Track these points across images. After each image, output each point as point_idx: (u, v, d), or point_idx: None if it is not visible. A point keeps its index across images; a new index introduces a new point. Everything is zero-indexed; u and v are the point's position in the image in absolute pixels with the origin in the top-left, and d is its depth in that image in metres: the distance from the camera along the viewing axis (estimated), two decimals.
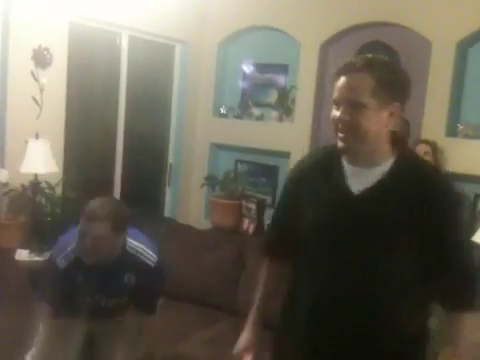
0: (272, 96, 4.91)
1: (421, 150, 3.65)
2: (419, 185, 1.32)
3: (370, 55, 1.34)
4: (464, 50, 4.02)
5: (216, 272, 3.34)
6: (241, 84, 5.10)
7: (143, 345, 2.32)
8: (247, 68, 5.03)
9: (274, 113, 4.85)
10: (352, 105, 1.31)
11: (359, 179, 1.37)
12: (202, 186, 4.84)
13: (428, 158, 3.64)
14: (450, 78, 3.94)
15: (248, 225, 4.43)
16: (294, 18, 4.55)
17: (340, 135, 1.35)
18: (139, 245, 2.18)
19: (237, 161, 5.13)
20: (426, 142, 3.75)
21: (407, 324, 1.39)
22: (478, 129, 3.97)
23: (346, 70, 1.34)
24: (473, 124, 3.99)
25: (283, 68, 4.84)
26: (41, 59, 3.56)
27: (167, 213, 5.04)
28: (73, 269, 2.08)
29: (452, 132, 4.03)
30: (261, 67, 4.97)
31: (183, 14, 4.68)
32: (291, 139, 4.56)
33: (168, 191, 5.07)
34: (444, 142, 3.96)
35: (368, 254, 1.33)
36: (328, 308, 1.39)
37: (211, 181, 4.78)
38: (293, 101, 4.69)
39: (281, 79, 4.86)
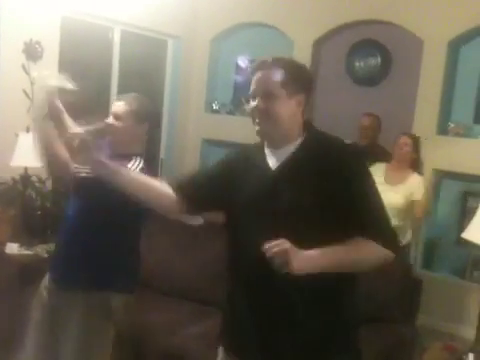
0: None
1: (401, 141, 3.70)
2: (325, 156, 1.51)
3: (279, 55, 1.58)
4: (456, 49, 4.05)
5: (207, 267, 3.33)
6: (234, 80, 5.10)
7: (109, 332, 2.16)
8: (242, 62, 5.02)
9: None
10: (266, 95, 1.52)
11: (276, 157, 1.58)
12: None
13: (407, 149, 3.70)
14: (442, 77, 3.97)
15: None
16: (287, 15, 4.55)
17: (257, 121, 1.55)
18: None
19: None
20: (409, 135, 3.79)
21: (329, 296, 1.52)
22: (468, 128, 4.00)
23: (260, 67, 1.56)
24: (464, 123, 4.02)
25: None
26: (32, 52, 3.54)
27: None
28: None
29: (443, 130, 4.06)
30: (253, 63, 4.97)
31: (176, 9, 4.67)
32: None
33: None
34: (435, 140, 4.00)
35: (287, 223, 1.47)
36: (257, 283, 1.53)
37: None
38: None
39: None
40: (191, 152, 5.09)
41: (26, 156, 3.29)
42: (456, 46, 4.03)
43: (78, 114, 2.20)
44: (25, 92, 3.51)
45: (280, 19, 4.61)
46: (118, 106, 2.16)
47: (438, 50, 3.94)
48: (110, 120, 2.15)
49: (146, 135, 2.25)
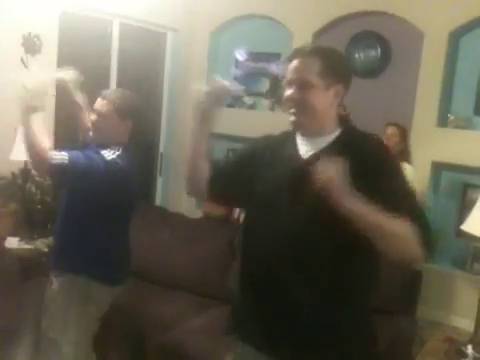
0: (264, 85, 4.91)
1: (388, 131, 3.73)
2: (361, 152, 1.44)
3: (318, 45, 1.55)
4: (456, 41, 4.03)
5: (207, 260, 3.34)
6: (233, 73, 5.07)
7: (89, 315, 2.22)
8: (240, 56, 5.00)
9: (266, 102, 4.85)
10: (302, 85, 1.47)
11: (308, 146, 1.52)
12: None
13: (394, 140, 3.73)
14: (442, 68, 3.95)
15: (239, 214, 4.44)
16: (286, 7, 4.53)
17: (292, 111, 1.50)
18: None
19: (229, 150, 5.12)
20: (395, 125, 3.82)
21: (348, 293, 1.46)
22: (468, 120, 3.99)
23: (297, 54, 1.50)
24: (464, 115, 4.01)
25: (275, 57, 4.83)
26: (31, 46, 3.53)
27: (159, 202, 5.04)
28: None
29: (443, 122, 4.06)
30: (253, 56, 4.95)
31: (175, 2, 4.65)
32: (283, 128, 4.54)
33: (159, 180, 5.06)
34: (435, 132, 3.99)
35: (312, 213, 1.40)
36: (272, 274, 1.48)
37: None
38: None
39: (273, 68, 4.84)
40: None
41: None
42: (456, 37, 4.01)
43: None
44: (23, 85, 3.50)
45: (279, 11, 4.59)
46: (101, 104, 2.18)
47: (438, 41, 3.93)
48: (93, 117, 2.19)
49: (129, 129, 2.26)
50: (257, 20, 4.81)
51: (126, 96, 2.24)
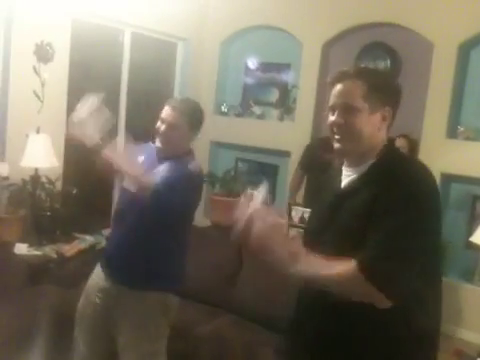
0: (273, 95, 4.92)
1: (398, 144, 3.72)
2: (388, 184, 1.34)
3: (362, 65, 1.44)
4: (466, 52, 4.03)
5: (215, 269, 3.34)
6: (243, 82, 5.10)
7: (166, 328, 2.25)
8: (252, 64, 5.02)
9: (275, 112, 4.86)
10: (347, 109, 1.41)
11: (349, 177, 1.47)
12: None
13: (404, 152, 3.70)
14: (451, 80, 3.95)
15: None
16: (296, 18, 4.56)
17: (336, 137, 1.45)
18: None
19: (237, 159, 5.14)
20: (405, 137, 3.80)
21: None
22: (478, 131, 3.98)
23: (340, 78, 1.44)
24: (473, 126, 4.00)
25: (285, 67, 4.85)
26: (43, 54, 3.57)
27: None
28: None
29: (452, 134, 4.04)
30: (263, 66, 4.98)
31: (186, 12, 4.69)
32: (292, 138, 4.57)
33: None
34: (444, 143, 3.98)
35: (334, 247, 1.37)
36: (306, 299, 1.49)
37: (211, 179, 4.79)
38: (294, 100, 4.70)
39: (283, 78, 4.87)
40: (199, 154, 5.07)
41: (36, 157, 3.32)
42: (466, 49, 4.01)
43: None
44: (36, 93, 3.54)
45: (289, 22, 4.61)
46: (172, 116, 2.17)
47: (448, 53, 3.92)
48: (162, 128, 2.17)
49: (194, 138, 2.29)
50: (267, 31, 4.84)
51: (196, 107, 2.25)
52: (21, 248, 3.27)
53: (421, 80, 4.12)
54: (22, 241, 3.31)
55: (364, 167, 1.44)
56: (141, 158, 2.23)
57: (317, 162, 3.65)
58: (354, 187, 1.43)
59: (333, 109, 1.46)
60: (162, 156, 2.18)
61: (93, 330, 2.20)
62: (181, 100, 2.32)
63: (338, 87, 1.44)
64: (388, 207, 1.31)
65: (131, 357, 2.15)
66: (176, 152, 2.18)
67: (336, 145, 1.45)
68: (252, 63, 4.80)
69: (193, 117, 2.19)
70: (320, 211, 1.46)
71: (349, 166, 1.49)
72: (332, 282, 1.32)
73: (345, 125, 1.41)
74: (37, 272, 2.95)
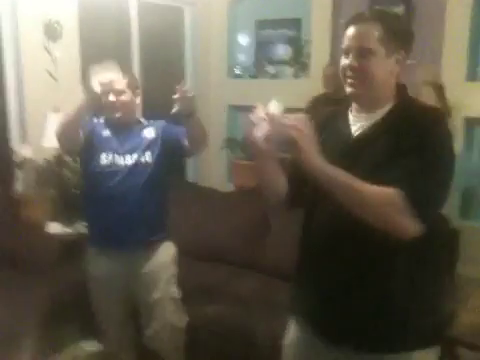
0: (287, 52, 4.84)
1: (424, 93, 3.59)
2: (411, 127, 1.36)
3: (378, 8, 1.42)
4: None
5: (241, 232, 3.38)
6: (255, 42, 5.02)
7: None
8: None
9: (290, 70, 4.79)
10: (361, 52, 1.38)
11: (360, 123, 1.46)
12: (222, 149, 4.85)
13: (431, 99, 3.59)
14: (469, 20, 3.82)
15: None
16: None
17: (349, 81, 1.42)
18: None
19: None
20: (430, 84, 3.68)
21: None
22: None
23: (355, 20, 1.41)
24: None
25: (296, 22, 4.74)
26: (52, 32, 3.55)
27: (190, 178, 5.07)
28: (102, 125, 2.50)
29: (472, 76, 3.94)
30: (273, 23, 4.88)
31: None
32: (308, 95, 4.50)
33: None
34: (465, 87, 3.88)
35: None
36: (327, 247, 1.46)
37: (231, 144, 4.78)
38: (308, 56, 4.61)
39: (294, 34, 4.77)
40: (216, 119, 5.06)
41: None
42: None
43: None
44: (49, 72, 3.55)
45: None
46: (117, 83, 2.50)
47: None
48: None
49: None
50: None
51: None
52: (55, 227, 3.35)
53: (436, 25, 3.99)
54: (54, 220, 3.38)
55: (379, 113, 1.42)
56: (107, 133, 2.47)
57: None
58: (370, 135, 1.41)
59: (347, 52, 1.43)
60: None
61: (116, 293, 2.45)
62: None
63: (353, 29, 1.41)
64: (412, 149, 1.31)
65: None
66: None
67: (349, 89, 1.43)
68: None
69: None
70: (331, 161, 1.39)
71: (360, 112, 1.47)
72: (365, 195, 1.29)
73: (359, 68, 1.39)
74: (71, 249, 3.02)
